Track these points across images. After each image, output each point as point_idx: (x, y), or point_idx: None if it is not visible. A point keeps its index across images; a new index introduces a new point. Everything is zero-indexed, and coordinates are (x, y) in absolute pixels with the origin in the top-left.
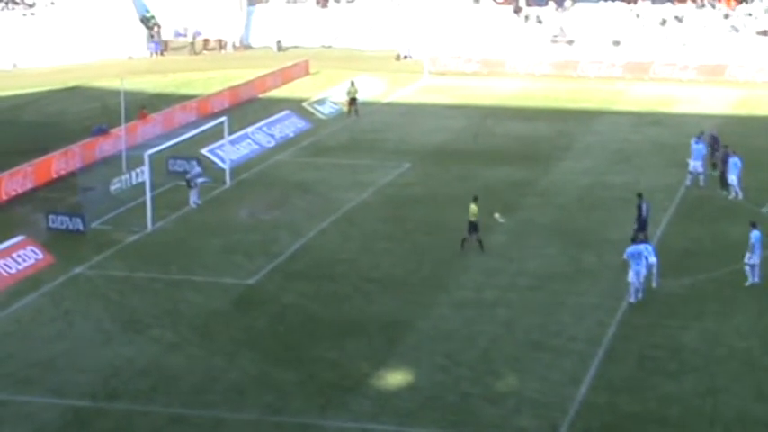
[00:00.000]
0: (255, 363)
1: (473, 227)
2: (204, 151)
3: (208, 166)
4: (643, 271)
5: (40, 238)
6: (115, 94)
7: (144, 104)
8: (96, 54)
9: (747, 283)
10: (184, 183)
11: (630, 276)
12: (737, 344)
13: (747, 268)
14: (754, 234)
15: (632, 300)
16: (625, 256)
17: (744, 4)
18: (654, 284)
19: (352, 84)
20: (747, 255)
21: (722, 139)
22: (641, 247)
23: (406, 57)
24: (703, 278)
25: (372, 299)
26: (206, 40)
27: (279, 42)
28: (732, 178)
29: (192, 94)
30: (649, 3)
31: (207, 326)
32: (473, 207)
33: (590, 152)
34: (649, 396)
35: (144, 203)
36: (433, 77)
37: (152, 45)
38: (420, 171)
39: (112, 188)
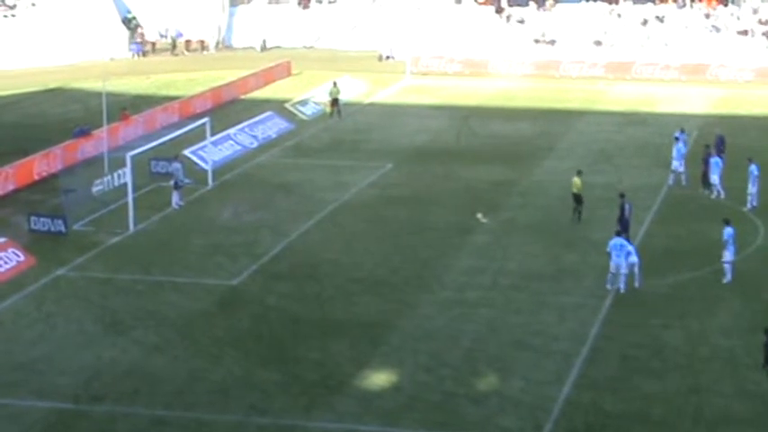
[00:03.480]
0: (239, 364)
1: (578, 198)
2: (186, 152)
3: (190, 168)
4: (623, 263)
5: (22, 240)
6: (97, 95)
7: (125, 106)
8: (78, 55)
9: (724, 281)
10: (170, 184)
11: (611, 267)
12: (720, 343)
13: (726, 266)
14: (727, 231)
15: (609, 286)
16: (608, 249)
17: (724, 6)
18: (636, 284)
19: (335, 84)
20: (724, 253)
21: (703, 138)
22: (622, 239)
23: (388, 57)
24: (686, 277)
25: (356, 299)
26: (188, 41)
27: (264, 42)
28: (714, 178)
29: (174, 96)
30: (631, 3)
31: (190, 327)
32: (576, 180)
33: (572, 152)
34: (632, 395)
35: (126, 205)
36: (415, 78)
37: (134, 46)
38: (403, 171)
39: (94, 190)
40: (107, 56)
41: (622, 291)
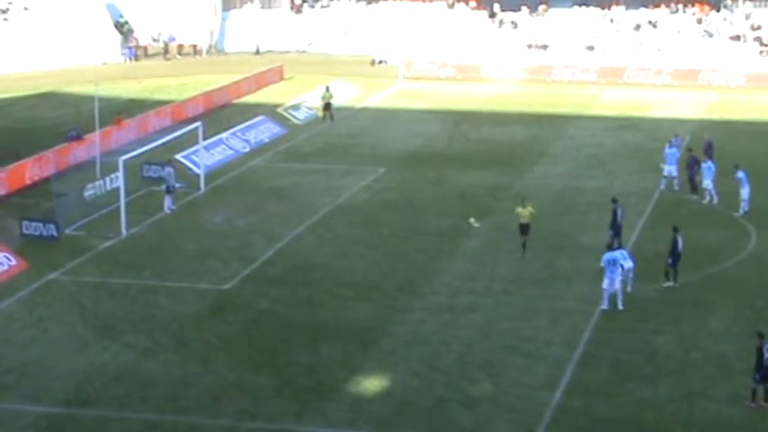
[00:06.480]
0: (230, 368)
1: (524, 229)
2: (179, 156)
3: (182, 172)
4: (618, 278)
5: (14, 245)
6: (89, 99)
7: (119, 111)
8: (70, 60)
9: None
10: (162, 188)
11: (605, 284)
12: (712, 348)
13: None
14: None
15: (605, 306)
16: (602, 264)
17: (716, 11)
18: (629, 289)
19: (327, 89)
20: None
21: (694, 143)
22: (617, 253)
23: (380, 62)
24: (678, 283)
25: (347, 304)
26: (180, 46)
27: (257, 47)
28: (707, 182)
29: (167, 100)
30: (623, 8)
31: (181, 332)
32: (522, 210)
33: (564, 157)
34: (625, 401)
35: (118, 209)
36: (407, 82)
37: (126, 50)
38: (395, 176)
39: (87, 194)
40: (99, 60)
41: (621, 307)
